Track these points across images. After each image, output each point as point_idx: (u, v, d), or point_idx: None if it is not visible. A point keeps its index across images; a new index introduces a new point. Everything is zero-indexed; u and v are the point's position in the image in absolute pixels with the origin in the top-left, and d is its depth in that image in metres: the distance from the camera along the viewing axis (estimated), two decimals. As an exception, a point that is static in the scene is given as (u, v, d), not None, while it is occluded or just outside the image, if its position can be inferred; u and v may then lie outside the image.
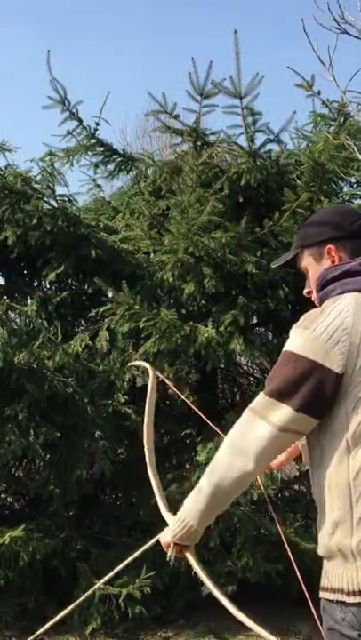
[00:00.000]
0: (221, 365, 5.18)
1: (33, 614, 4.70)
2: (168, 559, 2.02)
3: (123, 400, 4.88)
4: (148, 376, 2.18)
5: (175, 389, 2.19)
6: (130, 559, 2.18)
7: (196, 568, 2.02)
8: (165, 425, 5.26)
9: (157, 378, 2.24)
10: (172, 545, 2.00)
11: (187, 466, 5.12)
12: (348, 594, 1.74)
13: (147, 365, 2.27)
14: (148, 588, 4.48)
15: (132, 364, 2.81)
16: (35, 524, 4.69)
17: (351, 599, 1.73)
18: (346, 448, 1.74)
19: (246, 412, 1.84)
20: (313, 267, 1.98)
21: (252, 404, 1.82)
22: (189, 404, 2.08)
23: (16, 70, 25.48)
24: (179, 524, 1.95)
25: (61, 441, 4.75)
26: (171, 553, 2.02)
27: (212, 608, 4.81)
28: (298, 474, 5.90)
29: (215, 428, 2.34)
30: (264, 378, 5.06)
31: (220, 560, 4.64)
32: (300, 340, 1.80)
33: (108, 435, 4.74)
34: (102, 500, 5.36)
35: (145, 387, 4.95)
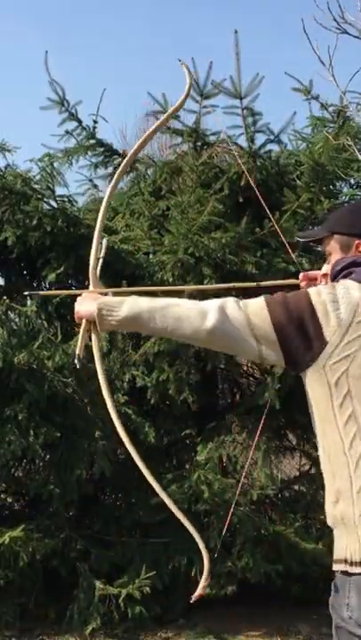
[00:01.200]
0: (221, 365, 5.17)
1: (33, 614, 4.70)
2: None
3: (123, 400, 4.87)
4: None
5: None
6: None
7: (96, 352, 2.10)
8: (165, 425, 5.26)
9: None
10: (86, 319, 2.08)
11: (187, 466, 5.12)
12: (352, 564, 1.80)
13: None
14: (148, 588, 4.48)
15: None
16: (34, 524, 4.69)
17: (354, 569, 1.79)
18: (334, 419, 1.84)
19: (240, 301, 1.93)
20: (337, 254, 2.07)
21: (250, 300, 1.93)
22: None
23: (16, 70, 25.50)
24: (113, 303, 2.00)
25: (61, 441, 4.75)
26: (81, 323, 2.10)
27: (212, 608, 4.83)
28: (298, 474, 5.90)
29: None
30: (264, 378, 5.07)
31: (220, 560, 4.63)
32: (319, 288, 1.92)
33: (107, 435, 4.74)
34: (102, 500, 5.36)
35: (145, 387, 4.98)
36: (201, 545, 2.04)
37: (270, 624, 4.76)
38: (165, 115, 2.46)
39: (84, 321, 2.13)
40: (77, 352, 2.19)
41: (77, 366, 2.28)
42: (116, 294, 2.16)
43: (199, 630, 4.64)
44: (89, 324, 2.12)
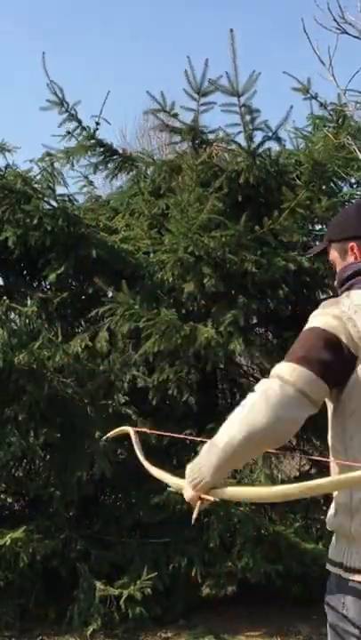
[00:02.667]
0: (221, 365, 5.17)
1: (33, 615, 4.70)
2: (194, 517, 1.96)
3: (123, 401, 4.87)
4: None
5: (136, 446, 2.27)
6: None
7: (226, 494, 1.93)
8: (166, 425, 5.25)
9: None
10: (196, 498, 1.93)
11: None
12: (347, 570, 1.83)
13: (127, 429, 2.31)
14: (149, 589, 4.48)
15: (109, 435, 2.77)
16: (35, 524, 4.68)
17: (349, 575, 1.82)
18: (342, 433, 1.85)
19: (265, 379, 1.85)
20: (338, 262, 2.08)
21: (274, 368, 1.84)
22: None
23: (16, 69, 25.50)
24: (192, 478, 1.90)
25: (61, 442, 4.75)
26: (199, 505, 1.94)
27: (211, 608, 4.83)
28: (298, 474, 5.89)
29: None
30: (264, 378, 5.05)
31: (220, 560, 4.63)
32: (318, 319, 1.86)
33: (108, 435, 4.73)
34: (102, 500, 5.35)
35: (145, 387, 4.97)
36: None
37: (270, 624, 4.75)
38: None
39: (198, 503, 1.95)
40: (194, 516, 1.99)
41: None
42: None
43: (199, 630, 4.63)
44: (202, 501, 1.95)
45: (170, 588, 4.67)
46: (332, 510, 1.92)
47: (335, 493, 1.89)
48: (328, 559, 1.92)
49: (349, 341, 1.80)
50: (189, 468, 1.93)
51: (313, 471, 5.63)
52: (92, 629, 4.49)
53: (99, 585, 4.57)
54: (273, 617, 4.83)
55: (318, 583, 4.67)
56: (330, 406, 1.92)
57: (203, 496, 1.90)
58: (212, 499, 1.90)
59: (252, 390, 1.85)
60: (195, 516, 1.95)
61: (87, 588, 4.60)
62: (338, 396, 1.86)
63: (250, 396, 1.82)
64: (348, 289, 1.96)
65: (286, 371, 1.80)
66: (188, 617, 4.79)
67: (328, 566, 1.91)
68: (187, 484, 1.92)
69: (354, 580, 1.80)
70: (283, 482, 5.66)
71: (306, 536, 4.84)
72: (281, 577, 4.61)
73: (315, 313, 1.90)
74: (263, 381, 1.83)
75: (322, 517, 5.00)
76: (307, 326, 1.88)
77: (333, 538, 1.94)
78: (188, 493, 1.92)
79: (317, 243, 5.49)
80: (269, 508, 5.37)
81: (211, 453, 1.85)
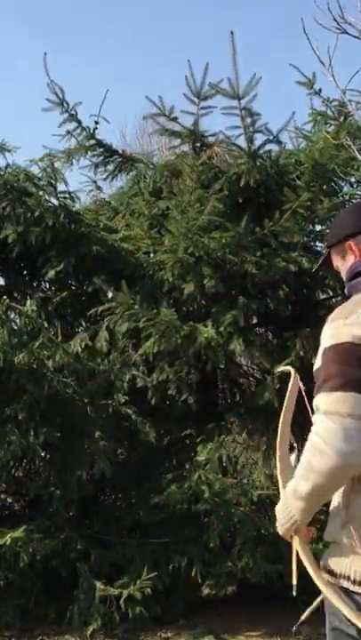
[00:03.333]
0: (221, 365, 5.17)
1: (33, 615, 4.70)
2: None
3: (123, 400, 4.87)
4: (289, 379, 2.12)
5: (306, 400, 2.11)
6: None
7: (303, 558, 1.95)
8: (166, 425, 5.25)
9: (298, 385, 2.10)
10: (289, 535, 1.96)
11: (187, 466, 5.11)
12: (354, 582, 1.78)
13: (291, 370, 2.18)
14: (149, 589, 4.48)
15: (279, 369, 2.62)
16: (35, 524, 4.68)
17: (356, 588, 1.78)
18: None
19: (316, 417, 1.78)
20: (341, 264, 2.07)
21: (320, 408, 1.77)
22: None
23: (16, 69, 25.50)
24: (286, 519, 1.91)
25: (61, 441, 4.75)
26: (294, 542, 1.96)
27: (212, 608, 4.83)
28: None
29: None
30: (264, 378, 5.06)
31: (220, 560, 4.63)
32: (334, 331, 1.81)
33: (108, 435, 4.74)
34: (102, 500, 5.36)
35: (145, 387, 4.97)
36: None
37: (270, 624, 4.75)
38: None
39: (294, 540, 1.98)
40: (294, 582, 2.03)
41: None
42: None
43: (199, 630, 4.64)
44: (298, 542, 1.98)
45: (170, 587, 4.67)
46: (336, 521, 1.86)
47: (335, 500, 1.85)
48: (327, 570, 1.87)
49: None
50: (279, 509, 1.94)
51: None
52: (91, 629, 4.49)
53: (99, 585, 4.57)
54: (273, 617, 4.83)
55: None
56: None
57: (294, 538, 1.94)
58: (297, 542, 1.94)
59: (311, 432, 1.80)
60: (295, 575, 1.99)
61: (87, 588, 4.61)
62: None
63: (311, 442, 1.77)
64: (356, 286, 1.95)
65: (332, 403, 1.74)
66: (188, 617, 4.79)
67: (327, 576, 1.86)
68: (280, 526, 1.94)
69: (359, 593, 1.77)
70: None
71: (306, 536, 4.83)
72: (281, 577, 4.61)
73: (328, 326, 1.84)
74: (316, 425, 1.77)
75: (322, 517, 5.00)
76: (331, 341, 1.81)
77: (332, 548, 1.89)
78: (283, 530, 1.95)
79: (318, 243, 5.50)
80: (269, 508, 5.38)
81: (296, 499, 1.85)
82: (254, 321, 5.54)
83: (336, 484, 1.81)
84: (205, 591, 4.67)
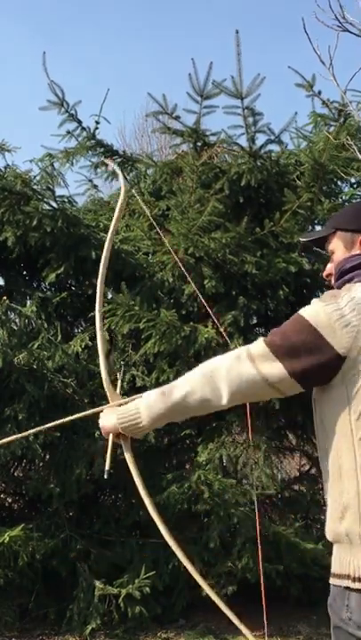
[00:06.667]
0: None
1: (33, 614, 4.70)
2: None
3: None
4: None
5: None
6: None
7: (131, 464, 2.10)
8: (165, 425, 5.25)
9: None
10: (115, 434, 2.06)
11: (187, 466, 5.12)
12: (354, 580, 1.77)
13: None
14: (148, 589, 4.48)
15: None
16: (34, 523, 4.69)
17: (356, 585, 1.77)
18: (351, 434, 1.79)
19: (241, 350, 1.88)
20: (340, 252, 2.03)
21: (251, 347, 1.87)
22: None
23: (16, 69, 25.51)
24: (131, 415, 1.99)
25: (61, 441, 4.75)
26: (108, 438, 2.08)
27: (211, 608, 4.81)
28: (298, 474, 5.90)
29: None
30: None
31: (220, 560, 4.64)
32: (316, 309, 1.84)
33: (107, 435, 4.73)
34: (102, 500, 5.36)
35: (145, 387, 4.97)
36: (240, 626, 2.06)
37: (270, 624, 4.75)
38: (116, 214, 2.49)
39: (110, 435, 2.11)
40: (107, 468, 2.18)
41: (105, 477, 2.25)
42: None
43: (199, 630, 4.64)
44: (118, 437, 2.11)
45: (170, 587, 4.68)
46: (336, 517, 1.83)
47: (337, 498, 1.83)
48: (332, 574, 1.85)
49: (336, 342, 1.78)
50: (129, 407, 2.01)
51: (313, 471, 5.65)
52: (91, 629, 4.50)
53: (98, 584, 4.57)
54: (273, 617, 4.83)
55: (318, 583, 4.69)
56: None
57: (120, 441, 2.06)
58: (122, 444, 2.05)
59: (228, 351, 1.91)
60: (108, 463, 2.14)
61: (87, 588, 4.61)
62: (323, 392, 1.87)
63: (220, 362, 1.88)
64: (349, 281, 1.93)
65: (263, 358, 1.83)
66: (188, 616, 4.79)
67: (333, 580, 1.84)
68: (116, 418, 2.01)
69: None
70: (282, 481, 5.67)
71: (306, 536, 4.84)
72: (281, 577, 4.62)
73: (314, 300, 1.88)
74: (240, 354, 1.86)
75: (322, 517, 5.01)
76: (303, 311, 1.86)
77: (335, 550, 1.86)
78: (110, 424, 2.03)
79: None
80: (269, 508, 5.38)
81: (158, 402, 1.93)
82: (254, 321, 5.55)
83: (198, 407, 1.90)
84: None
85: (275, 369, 1.82)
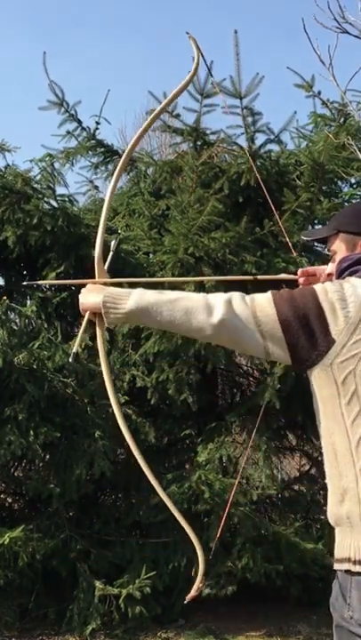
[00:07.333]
0: (221, 365, 5.17)
1: (33, 614, 4.70)
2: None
3: (123, 400, 4.87)
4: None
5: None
6: None
7: (101, 350, 2.12)
8: (165, 425, 5.26)
9: None
10: (96, 310, 2.02)
11: (187, 466, 5.12)
12: (355, 562, 1.79)
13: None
14: (148, 589, 4.48)
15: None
16: (34, 524, 4.69)
17: (357, 568, 1.78)
18: (342, 418, 1.82)
19: (246, 296, 1.91)
20: (342, 253, 2.05)
21: (258, 296, 1.91)
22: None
23: (16, 69, 25.50)
24: (119, 295, 1.98)
25: (61, 441, 4.75)
26: (84, 315, 2.05)
27: (212, 609, 4.83)
28: (298, 474, 5.90)
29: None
30: (264, 378, 5.06)
31: (220, 560, 4.64)
32: (324, 286, 1.88)
33: (107, 435, 4.73)
34: (102, 500, 5.36)
35: (145, 387, 4.97)
36: (197, 546, 2.05)
37: (270, 624, 4.76)
38: (171, 94, 2.42)
39: (87, 314, 2.08)
40: (75, 349, 2.15)
41: (70, 360, 2.28)
42: (121, 285, 2.11)
43: (199, 630, 4.64)
44: (94, 316, 2.07)
45: (170, 587, 4.68)
46: (336, 500, 1.84)
47: (336, 482, 1.84)
48: (335, 559, 1.87)
49: (332, 321, 1.82)
50: (121, 289, 2.00)
51: (313, 471, 5.64)
52: (91, 629, 4.50)
53: (98, 584, 4.57)
54: (273, 617, 4.84)
55: (318, 583, 4.69)
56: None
57: (95, 319, 2.02)
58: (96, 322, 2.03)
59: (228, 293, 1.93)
60: (77, 345, 2.25)
61: (87, 588, 4.61)
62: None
63: (221, 301, 1.89)
64: (350, 275, 1.95)
65: (262, 298, 1.89)
66: (188, 616, 4.79)
67: (336, 566, 1.86)
68: (103, 295, 1.99)
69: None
70: (283, 481, 5.67)
71: (306, 536, 4.84)
72: (281, 577, 4.62)
73: (329, 283, 1.92)
74: (246, 295, 1.91)
75: (322, 517, 5.01)
76: (316, 287, 1.89)
77: (337, 535, 1.88)
78: (90, 302, 2.02)
79: (317, 243, 5.49)
80: (269, 508, 5.38)
81: (152, 294, 1.94)
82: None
83: (184, 320, 1.90)
84: (205, 591, 4.67)
85: (268, 307, 1.86)
